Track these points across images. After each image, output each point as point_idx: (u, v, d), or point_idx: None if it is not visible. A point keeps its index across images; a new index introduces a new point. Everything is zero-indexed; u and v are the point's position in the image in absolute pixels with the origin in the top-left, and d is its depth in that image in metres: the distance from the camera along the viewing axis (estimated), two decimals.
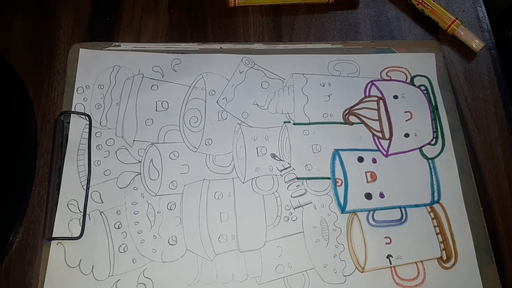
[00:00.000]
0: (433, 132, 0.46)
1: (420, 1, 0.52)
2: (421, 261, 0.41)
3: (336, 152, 0.45)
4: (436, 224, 0.42)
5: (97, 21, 0.50)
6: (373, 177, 0.44)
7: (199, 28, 0.51)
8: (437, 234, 0.42)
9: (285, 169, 0.44)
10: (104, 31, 0.50)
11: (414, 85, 0.49)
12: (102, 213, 0.41)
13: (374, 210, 0.43)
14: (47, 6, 0.51)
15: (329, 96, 0.47)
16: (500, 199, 0.45)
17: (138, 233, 0.41)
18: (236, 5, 0.52)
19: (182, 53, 0.48)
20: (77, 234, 0.40)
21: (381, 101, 0.48)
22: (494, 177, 0.46)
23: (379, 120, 0.47)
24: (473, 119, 0.48)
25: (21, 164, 0.43)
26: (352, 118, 0.47)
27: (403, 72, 0.49)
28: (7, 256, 0.40)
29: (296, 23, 0.52)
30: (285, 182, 0.43)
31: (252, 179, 0.43)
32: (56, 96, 0.46)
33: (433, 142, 0.46)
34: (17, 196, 0.42)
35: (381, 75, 0.49)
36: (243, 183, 0.43)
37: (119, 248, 0.40)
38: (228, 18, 0.52)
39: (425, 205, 0.43)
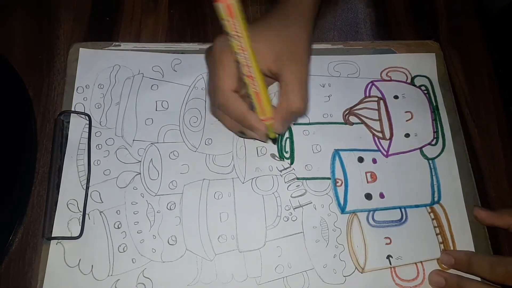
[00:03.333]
0: (434, 132, 0.46)
1: None
2: (421, 262, 0.41)
3: (336, 152, 0.45)
4: (436, 225, 0.42)
5: (97, 21, 0.50)
6: (373, 177, 0.44)
7: (199, 28, 0.51)
8: (437, 234, 0.42)
9: (285, 169, 0.44)
10: (104, 31, 0.50)
11: (415, 85, 0.49)
12: (101, 213, 0.41)
13: (374, 210, 0.43)
14: (47, 6, 0.51)
15: (329, 96, 0.47)
16: (500, 199, 0.45)
17: (137, 233, 0.41)
18: None
19: (182, 53, 0.48)
20: (77, 234, 0.40)
21: (381, 101, 0.47)
22: (494, 177, 0.45)
23: (380, 120, 0.47)
24: (473, 119, 0.48)
25: (21, 164, 0.43)
26: (352, 118, 0.47)
27: (404, 73, 0.49)
28: (7, 256, 0.40)
29: None
30: (285, 182, 0.43)
31: (252, 179, 0.43)
32: (56, 96, 0.46)
33: (433, 142, 0.46)
34: (17, 196, 0.42)
35: (381, 76, 0.49)
36: (243, 183, 0.43)
37: (118, 248, 0.40)
38: None
39: (425, 205, 0.43)
